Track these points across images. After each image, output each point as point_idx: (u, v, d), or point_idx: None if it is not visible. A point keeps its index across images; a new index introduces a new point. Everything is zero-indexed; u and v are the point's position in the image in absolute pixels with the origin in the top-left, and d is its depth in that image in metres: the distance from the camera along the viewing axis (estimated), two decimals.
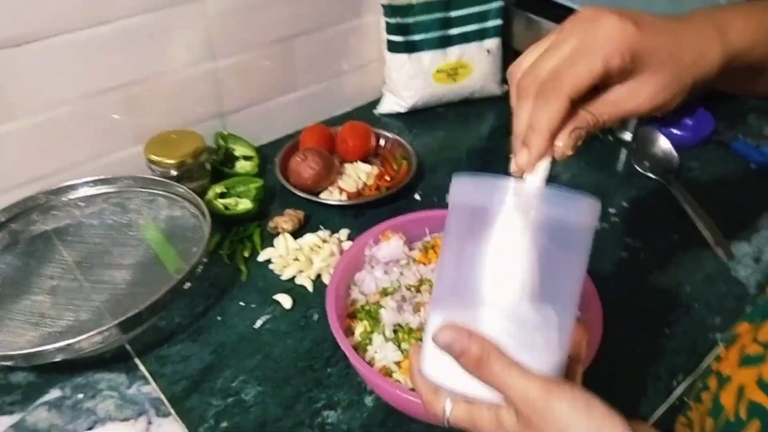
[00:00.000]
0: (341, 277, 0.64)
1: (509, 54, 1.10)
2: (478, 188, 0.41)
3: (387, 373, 0.59)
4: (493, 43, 1.04)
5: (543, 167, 0.45)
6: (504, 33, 1.06)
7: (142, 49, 0.82)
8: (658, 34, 0.45)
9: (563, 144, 0.44)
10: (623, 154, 0.99)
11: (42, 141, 0.80)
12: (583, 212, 0.40)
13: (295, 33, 0.95)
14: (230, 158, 0.93)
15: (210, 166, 0.88)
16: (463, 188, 0.42)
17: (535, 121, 0.44)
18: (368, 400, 0.64)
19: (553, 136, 0.44)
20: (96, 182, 0.82)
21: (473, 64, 1.04)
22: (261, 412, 0.63)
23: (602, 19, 0.44)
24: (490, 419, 0.41)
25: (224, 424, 0.62)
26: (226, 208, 0.84)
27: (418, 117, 1.07)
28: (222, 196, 0.86)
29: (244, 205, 0.84)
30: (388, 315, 0.61)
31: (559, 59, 0.44)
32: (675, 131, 0.98)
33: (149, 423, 0.63)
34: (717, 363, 0.54)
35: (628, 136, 1.00)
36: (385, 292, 0.64)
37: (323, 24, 0.97)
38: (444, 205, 0.88)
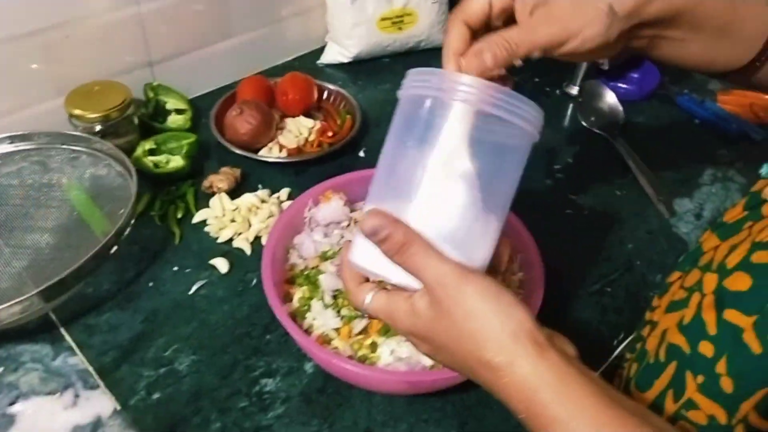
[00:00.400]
0: (278, 240, 0.61)
1: (456, 2, 1.06)
2: (431, 78, 0.42)
3: (326, 340, 0.57)
4: None
5: None
6: None
7: None
8: None
9: (466, 63, 0.47)
10: (570, 109, 0.98)
11: None
12: (529, 117, 0.42)
13: None
14: (161, 112, 0.88)
15: (138, 120, 0.82)
16: (416, 79, 0.43)
17: (443, 46, 0.49)
18: (308, 367, 0.62)
19: (457, 56, 0.48)
20: (13, 138, 0.76)
21: (419, 12, 1.00)
22: (196, 382, 0.61)
23: None
24: (406, 308, 0.42)
25: (156, 395, 0.60)
26: (156, 165, 0.79)
27: (362, 68, 1.02)
28: (152, 153, 0.80)
29: (176, 162, 0.79)
30: (327, 280, 0.58)
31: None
32: (621, 85, 0.97)
33: (76, 396, 0.60)
34: (650, 312, 0.55)
35: (575, 90, 0.98)
36: (324, 257, 0.61)
37: None
38: None
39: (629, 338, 0.66)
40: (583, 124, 0.93)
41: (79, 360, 0.62)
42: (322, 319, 0.57)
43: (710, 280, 0.45)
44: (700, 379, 0.43)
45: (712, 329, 0.43)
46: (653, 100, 0.99)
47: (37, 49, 0.76)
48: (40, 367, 0.62)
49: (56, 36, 0.77)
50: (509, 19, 0.50)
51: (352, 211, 0.67)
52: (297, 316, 0.59)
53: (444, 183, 0.41)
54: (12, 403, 0.59)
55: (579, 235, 0.78)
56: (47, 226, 0.72)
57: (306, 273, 0.61)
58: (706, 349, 0.43)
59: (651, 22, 0.51)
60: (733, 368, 0.41)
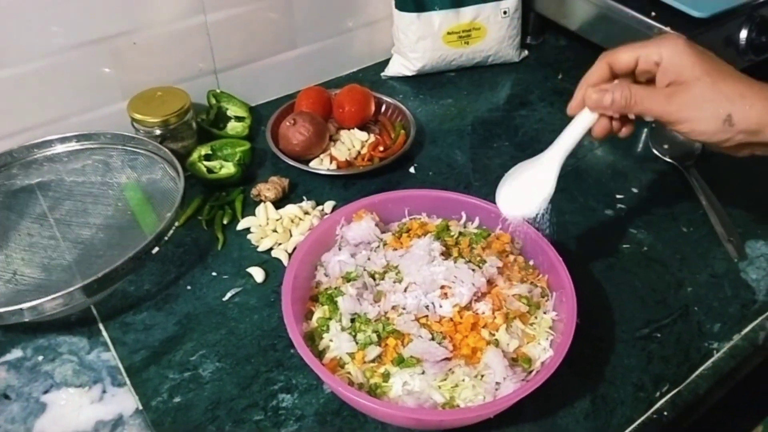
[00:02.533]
0: (304, 257, 0.61)
1: (529, 17, 1.02)
2: None
3: (339, 364, 0.56)
4: (510, 3, 0.96)
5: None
6: None
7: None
8: (716, 69, 0.52)
9: (588, 93, 0.55)
10: (644, 134, 0.91)
11: (24, 93, 0.78)
12: None
13: None
14: (222, 118, 0.90)
15: (197, 125, 0.85)
16: None
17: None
18: (326, 387, 0.61)
19: (587, 86, 0.56)
20: (80, 137, 0.80)
21: (488, 27, 0.97)
22: (216, 390, 0.62)
23: (680, 39, 0.54)
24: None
25: (177, 399, 0.61)
26: (210, 171, 0.81)
27: (426, 82, 1.01)
28: (207, 158, 0.83)
29: (228, 169, 0.81)
30: (345, 303, 0.57)
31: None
32: None
33: (103, 392, 0.62)
34: None
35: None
36: (347, 277, 0.60)
37: None
38: (437, 181, 0.84)
39: (673, 392, 0.61)
40: (654, 151, 0.86)
41: (111, 356, 0.65)
42: (337, 341, 0.56)
43: None
44: None
45: None
46: None
47: (106, 54, 0.80)
48: (75, 360, 0.65)
49: (125, 42, 0.81)
50: (652, 80, 0.55)
51: (384, 232, 0.66)
52: (315, 335, 0.58)
53: None
54: (46, 392, 0.62)
55: (634, 272, 0.72)
56: (102, 224, 0.75)
57: (329, 292, 0.60)
58: None
59: None
60: None
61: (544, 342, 0.58)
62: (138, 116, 0.79)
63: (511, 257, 0.63)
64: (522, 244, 0.66)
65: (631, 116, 0.56)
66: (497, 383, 0.54)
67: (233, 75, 0.91)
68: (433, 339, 0.56)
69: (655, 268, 0.73)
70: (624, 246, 0.75)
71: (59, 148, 0.79)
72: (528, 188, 0.59)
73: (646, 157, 0.88)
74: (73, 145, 0.80)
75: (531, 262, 0.65)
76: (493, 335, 0.57)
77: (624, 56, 0.55)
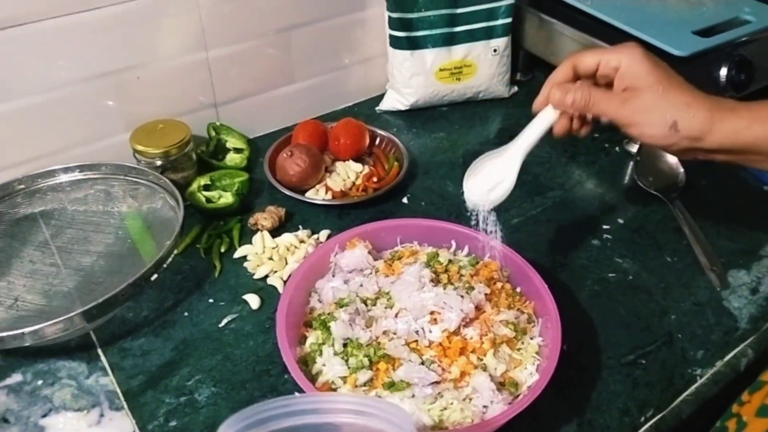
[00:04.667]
0: (299, 283, 0.63)
1: (519, 54, 1.06)
2: None
3: (332, 387, 0.57)
4: (500, 42, 1.00)
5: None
6: (514, 32, 1.02)
7: (133, 36, 0.82)
8: (667, 79, 0.57)
9: (552, 91, 0.60)
10: (630, 167, 0.94)
11: (30, 125, 0.81)
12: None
13: (293, 24, 0.93)
14: (221, 150, 0.93)
15: (196, 157, 0.87)
16: None
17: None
18: None
19: (553, 84, 0.61)
20: (82, 168, 0.83)
21: (479, 64, 1.01)
22: (211, 414, 0.63)
23: (638, 48, 0.58)
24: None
25: (173, 423, 0.62)
26: (209, 201, 0.84)
27: (419, 116, 1.04)
28: (206, 188, 0.85)
29: (226, 199, 0.83)
30: (338, 328, 0.59)
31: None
32: None
33: (101, 415, 0.63)
34: (739, 406, 0.53)
35: (635, 148, 0.95)
36: (340, 303, 0.62)
37: (323, 15, 0.95)
38: (429, 211, 0.86)
39: (657, 416, 0.63)
40: (640, 184, 0.89)
41: (109, 381, 0.66)
42: (330, 365, 0.58)
43: None
44: None
45: None
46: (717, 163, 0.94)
47: (110, 87, 0.83)
48: (74, 384, 0.66)
49: (129, 76, 0.84)
50: (611, 84, 0.59)
51: (376, 259, 0.68)
52: (308, 360, 0.60)
53: None
54: (44, 415, 0.63)
55: (619, 300, 0.74)
56: (103, 251, 0.77)
57: (322, 318, 0.62)
58: None
59: (722, 150, 0.56)
60: None
61: (531, 367, 0.60)
62: (140, 147, 0.82)
63: (499, 284, 0.65)
64: (510, 272, 0.68)
65: (589, 117, 0.60)
66: (485, 406, 0.56)
67: (233, 108, 0.94)
68: (422, 363, 0.57)
69: (640, 297, 0.75)
70: (610, 275, 0.78)
71: (62, 178, 0.82)
72: (491, 180, 0.64)
73: (632, 189, 0.90)
74: (76, 175, 0.82)
75: (518, 289, 0.67)
76: (481, 360, 0.58)
77: (587, 59, 0.60)
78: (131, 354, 0.69)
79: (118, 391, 0.65)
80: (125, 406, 0.64)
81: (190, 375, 0.66)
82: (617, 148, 0.98)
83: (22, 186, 0.81)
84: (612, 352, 0.69)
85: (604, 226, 0.84)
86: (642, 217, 0.86)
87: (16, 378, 0.66)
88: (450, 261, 0.67)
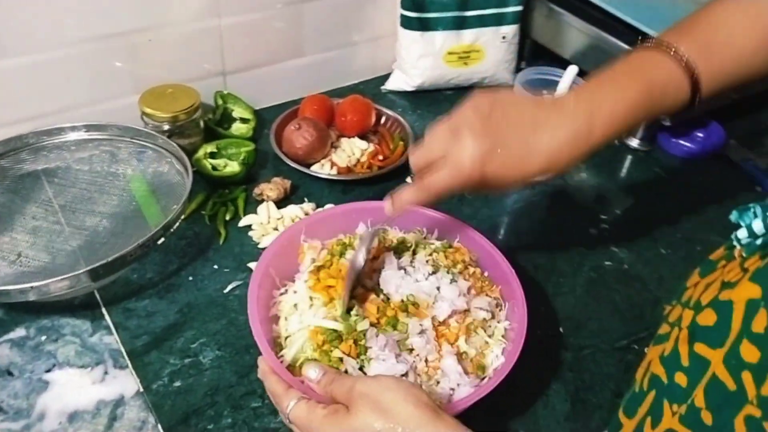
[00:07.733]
0: (270, 262, 0.64)
1: (526, 43, 1.07)
2: None
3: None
4: (510, 29, 1.01)
5: None
6: (523, 21, 1.03)
7: None
8: (512, 149, 0.56)
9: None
10: (628, 161, 0.96)
11: (37, 81, 0.80)
12: None
13: None
14: (227, 119, 0.93)
15: (204, 124, 0.87)
16: None
17: (404, 194, 0.60)
18: None
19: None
20: (88, 128, 0.82)
21: (487, 50, 1.02)
22: (215, 377, 0.64)
23: (463, 140, 0.56)
24: (325, 413, 0.48)
25: (177, 384, 0.63)
26: (215, 168, 0.84)
27: (424, 98, 1.05)
28: (212, 156, 0.85)
29: (232, 168, 0.84)
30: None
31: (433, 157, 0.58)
32: (683, 142, 0.95)
33: (105, 373, 0.64)
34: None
35: (635, 142, 0.97)
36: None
37: None
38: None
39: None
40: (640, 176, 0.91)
41: (113, 339, 0.67)
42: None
43: (687, 316, 0.49)
44: (677, 408, 0.45)
45: (685, 361, 0.46)
46: (715, 161, 0.97)
47: (121, 48, 0.83)
48: (78, 341, 0.66)
49: (140, 38, 0.83)
50: None
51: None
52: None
53: None
54: (48, 370, 0.64)
55: (615, 288, 0.77)
56: (106, 212, 0.77)
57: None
58: (681, 379, 0.46)
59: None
60: (711, 402, 0.43)
61: (497, 350, 0.60)
62: (149, 110, 0.81)
63: (471, 269, 0.66)
64: (478, 256, 0.68)
65: None
66: (452, 389, 0.57)
67: (241, 78, 0.94)
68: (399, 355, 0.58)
69: (635, 285, 0.77)
70: (606, 263, 0.80)
71: (69, 137, 0.81)
72: None
73: (629, 181, 0.93)
74: (82, 135, 0.82)
75: (486, 274, 0.67)
76: (454, 344, 0.59)
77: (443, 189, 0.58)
78: (135, 315, 0.69)
79: (123, 350, 0.66)
80: (129, 365, 0.64)
81: (195, 338, 0.67)
82: (616, 141, 1.00)
83: (28, 142, 0.80)
84: (606, 337, 0.71)
85: (602, 216, 0.86)
86: (639, 209, 0.88)
87: (19, 332, 0.67)
88: (417, 243, 0.67)
